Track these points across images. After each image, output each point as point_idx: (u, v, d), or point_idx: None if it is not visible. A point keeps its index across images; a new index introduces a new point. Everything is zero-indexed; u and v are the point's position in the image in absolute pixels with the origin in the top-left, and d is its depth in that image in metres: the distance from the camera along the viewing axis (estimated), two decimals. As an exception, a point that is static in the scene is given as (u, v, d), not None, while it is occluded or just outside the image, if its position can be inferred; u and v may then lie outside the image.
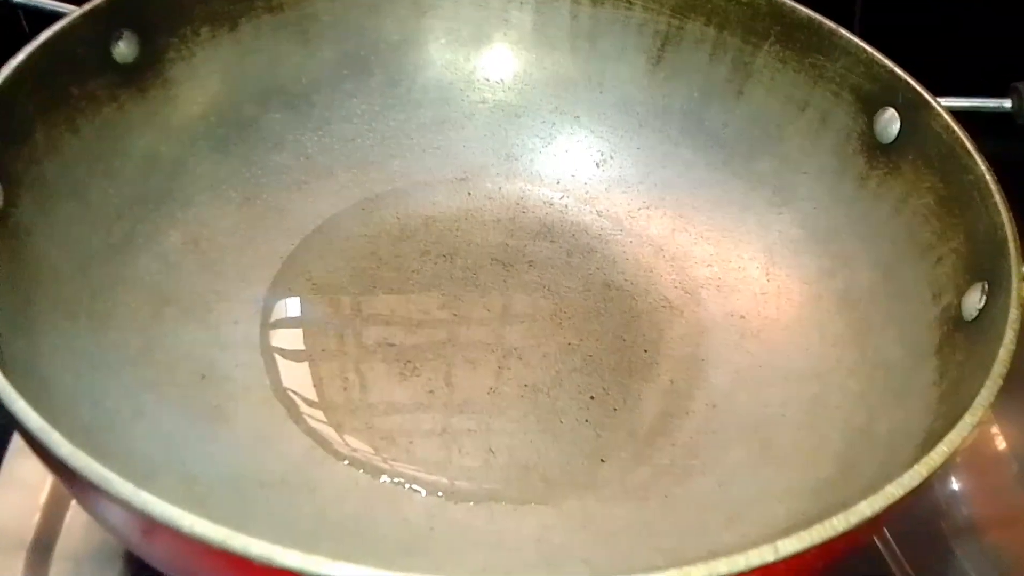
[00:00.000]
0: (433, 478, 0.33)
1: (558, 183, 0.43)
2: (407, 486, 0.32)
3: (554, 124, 0.44)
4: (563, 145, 0.44)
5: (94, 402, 0.29)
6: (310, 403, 0.34)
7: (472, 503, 0.32)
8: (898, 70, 0.34)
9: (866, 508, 0.20)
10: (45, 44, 0.31)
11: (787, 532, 0.19)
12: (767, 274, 0.39)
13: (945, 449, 0.21)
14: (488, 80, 0.44)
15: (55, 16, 0.33)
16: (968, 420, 0.22)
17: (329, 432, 0.34)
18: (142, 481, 0.19)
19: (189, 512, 0.19)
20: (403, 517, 0.31)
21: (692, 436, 0.34)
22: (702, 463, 0.33)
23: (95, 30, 0.33)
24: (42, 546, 0.35)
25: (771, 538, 0.19)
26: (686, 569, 0.18)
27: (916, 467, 0.21)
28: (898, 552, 0.38)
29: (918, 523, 0.39)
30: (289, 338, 0.37)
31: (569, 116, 0.43)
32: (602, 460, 0.34)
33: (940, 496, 0.39)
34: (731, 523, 0.30)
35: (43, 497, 0.36)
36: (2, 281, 0.28)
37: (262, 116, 0.40)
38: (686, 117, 0.42)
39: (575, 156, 0.43)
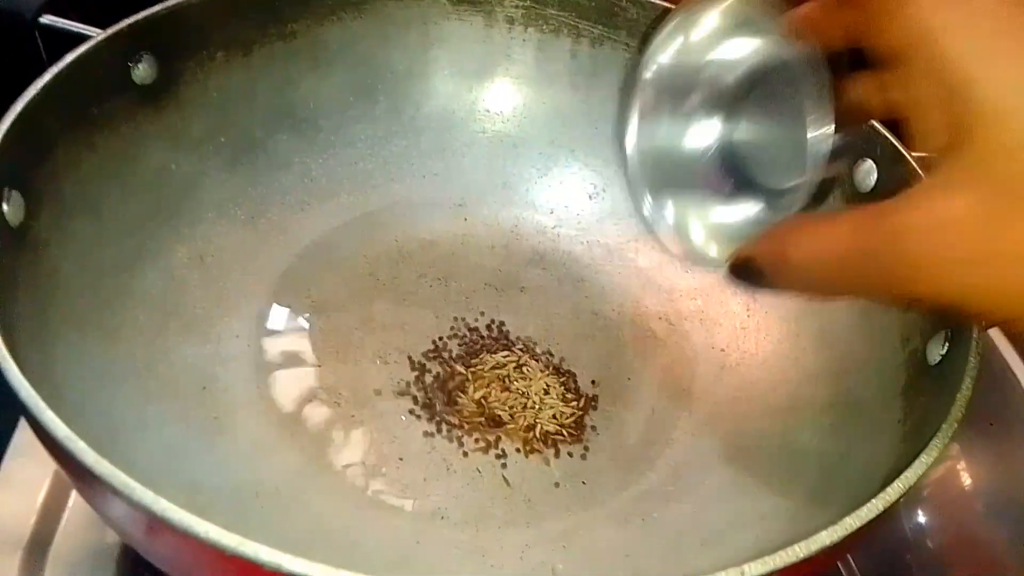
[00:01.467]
0: (421, 495, 0.34)
1: (552, 213, 0.45)
2: (396, 501, 0.34)
3: (550, 156, 0.45)
4: (558, 177, 0.45)
5: (101, 412, 0.30)
6: (304, 417, 0.36)
7: (458, 520, 0.33)
8: (877, 125, 0.36)
9: (825, 537, 0.21)
10: (72, 64, 0.32)
11: (756, 558, 0.21)
12: (748, 310, 0.41)
13: (901, 485, 0.23)
14: (489, 111, 0.46)
15: (74, 40, 0.35)
16: (924, 459, 0.24)
17: (322, 446, 0.35)
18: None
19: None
20: (391, 530, 0.33)
21: (671, 463, 0.36)
22: (680, 490, 0.35)
23: (118, 52, 0.35)
24: (38, 547, 0.36)
25: (740, 563, 0.21)
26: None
27: (873, 501, 0.22)
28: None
29: (885, 555, 0.41)
30: (287, 353, 0.38)
31: (565, 149, 0.45)
32: (584, 483, 0.35)
33: (907, 529, 0.41)
34: (705, 548, 0.32)
35: (40, 499, 0.37)
36: (21, 293, 0.29)
37: (270, 138, 0.42)
38: (677, 156, 0.43)
39: (569, 188, 0.45)
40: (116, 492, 0.20)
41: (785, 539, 0.30)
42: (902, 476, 0.23)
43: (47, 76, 0.32)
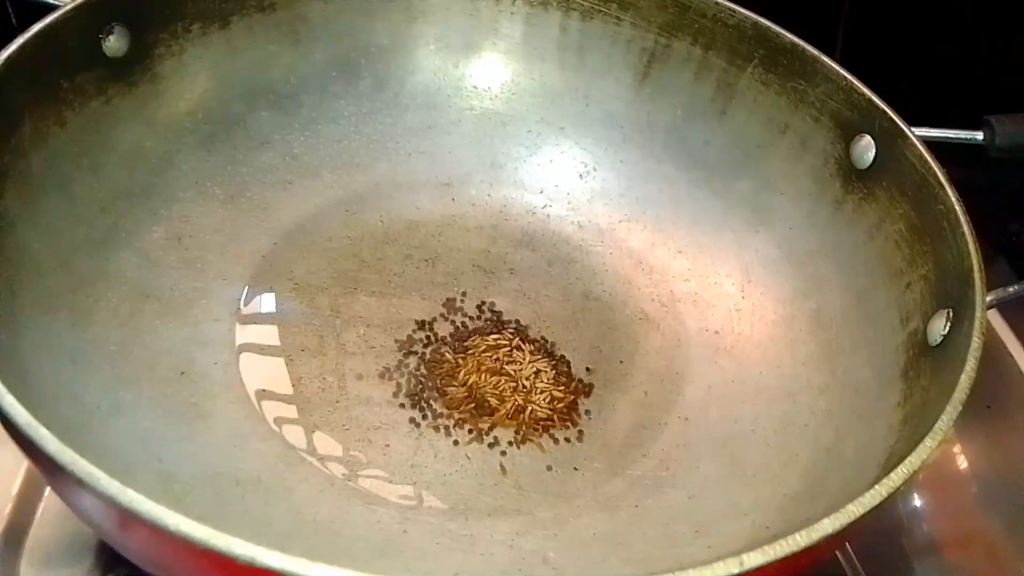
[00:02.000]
0: (408, 481, 0.33)
1: (541, 192, 0.44)
2: (381, 489, 0.33)
3: (539, 134, 0.44)
4: (547, 155, 0.44)
5: (73, 397, 0.29)
6: (287, 403, 0.35)
7: (446, 507, 0.32)
8: (876, 99, 0.35)
9: (828, 525, 0.20)
10: (37, 35, 0.31)
11: (751, 546, 0.20)
12: (742, 291, 0.40)
13: (905, 471, 0.22)
14: (476, 88, 0.44)
15: (44, 8, 0.33)
16: (928, 443, 0.23)
17: (305, 432, 0.34)
18: (121, 479, 0.19)
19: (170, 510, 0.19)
20: (377, 519, 0.32)
21: (664, 449, 0.35)
22: (673, 475, 0.34)
23: (88, 23, 0.34)
24: (14, 536, 0.35)
25: (736, 551, 0.20)
26: (655, 580, 0.18)
27: (877, 487, 0.21)
28: (859, 567, 0.38)
29: (880, 539, 0.40)
30: (268, 337, 0.37)
31: (555, 127, 0.44)
32: (575, 469, 0.34)
33: (902, 512, 0.40)
34: (699, 535, 0.31)
35: (16, 487, 0.36)
36: (-14, 273, 0.28)
37: (249, 114, 0.41)
38: (669, 134, 0.42)
39: (559, 167, 0.44)
40: (81, 483, 0.19)
41: (780, 526, 0.29)
42: (906, 461, 0.22)
43: (12, 47, 0.31)
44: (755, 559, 0.19)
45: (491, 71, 0.44)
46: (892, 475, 0.22)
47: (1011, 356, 0.41)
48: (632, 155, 0.43)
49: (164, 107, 0.38)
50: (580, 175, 0.44)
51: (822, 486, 0.30)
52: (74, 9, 0.33)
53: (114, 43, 0.35)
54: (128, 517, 0.19)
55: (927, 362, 0.30)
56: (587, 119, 0.44)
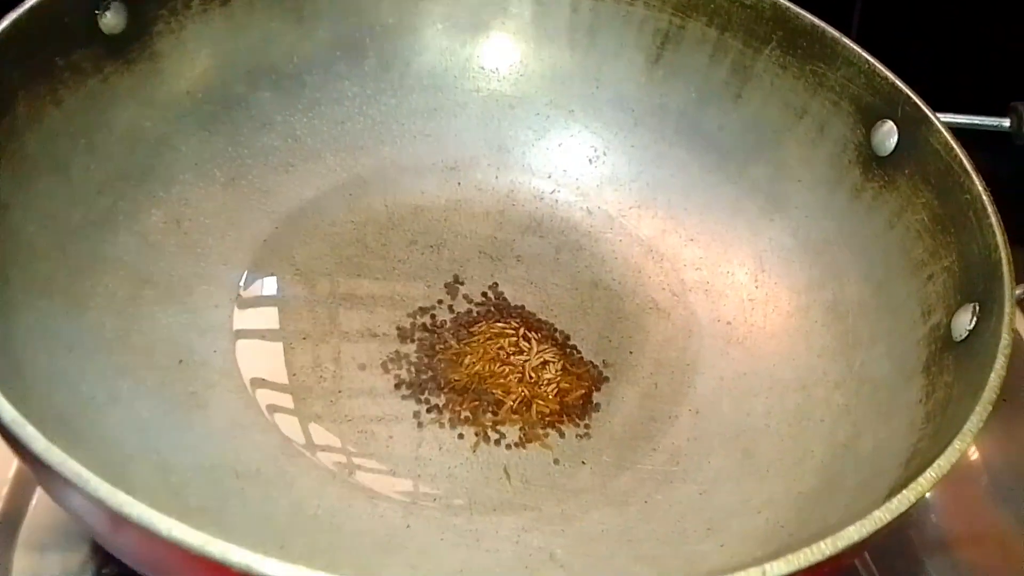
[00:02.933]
0: (411, 475, 0.32)
1: (549, 177, 0.43)
2: (384, 483, 0.32)
3: (548, 117, 0.43)
4: (556, 139, 0.43)
5: (69, 386, 0.28)
6: (287, 392, 0.34)
7: (450, 502, 0.32)
8: (899, 83, 0.34)
9: (854, 533, 0.20)
10: (31, 10, 0.30)
11: (769, 548, 0.19)
12: (756, 281, 0.39)
13: (933, 475, 0.21)
14: (483, 69, 0.43)
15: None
16: (957, 446, 0.22)
17: (307, 423, 0.33)
18: (117, 471, 0.19)
19: (165, 505, 0.18)
20: (380, 513, 0.31)
21: (675, 442, 0.34)
22: (683, 470, 0.33)
23: (82, -2, 0.32)
24: (8, 524, 0.34)
25: (750, 550, 0.19)
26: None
27: (904, 492, 0.20)
28: (869, 562, 0.38)
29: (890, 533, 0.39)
30: (269, 324, 0.36)
31: (564, 110, 0.43)
32: (583, 463, 0.34)
33: (913, 506, 0.40)
34: (711, 532, 0.30)
35: (11, 472, 0.35)
36: (-22, 257, 0.27)
37: (251, 95, 0.39)
38: (682, 118, 0.41)
39: (568, 151, 0.43)
40: (69, 483, 0.18)
41: (795, 524, 0.29)
42: (934, 464, 0.21)
43: (5, 22, 0.30)
44: (778, 569, 0.18)
45: (499, 52, 0.43)
46: (920, 480, 0.21)
47: (1029, 348, 0.40)
48: (643, 139, 0.42)
49: (163, 86, 0.36)
50: (590, 159, 0.43)
51: (839, 483, 0.29)
52: (69, -17, 0.32)
53: (111, 19, 0.34)
54: (119, 520, 0.18)
55: (951, 358, 0.29)
56: (597, 102, 0.43)
